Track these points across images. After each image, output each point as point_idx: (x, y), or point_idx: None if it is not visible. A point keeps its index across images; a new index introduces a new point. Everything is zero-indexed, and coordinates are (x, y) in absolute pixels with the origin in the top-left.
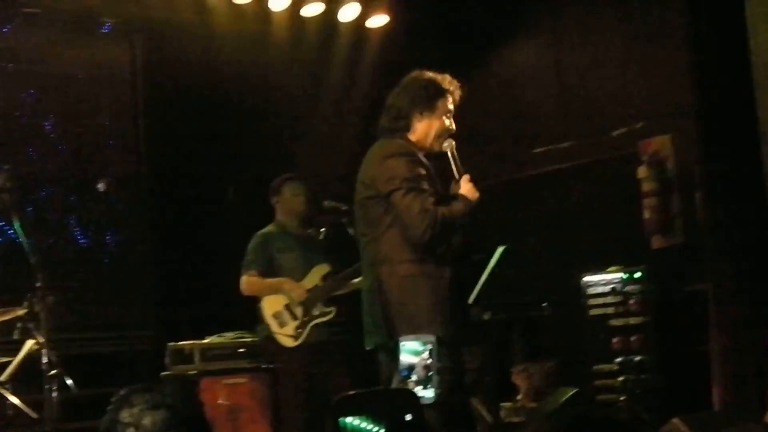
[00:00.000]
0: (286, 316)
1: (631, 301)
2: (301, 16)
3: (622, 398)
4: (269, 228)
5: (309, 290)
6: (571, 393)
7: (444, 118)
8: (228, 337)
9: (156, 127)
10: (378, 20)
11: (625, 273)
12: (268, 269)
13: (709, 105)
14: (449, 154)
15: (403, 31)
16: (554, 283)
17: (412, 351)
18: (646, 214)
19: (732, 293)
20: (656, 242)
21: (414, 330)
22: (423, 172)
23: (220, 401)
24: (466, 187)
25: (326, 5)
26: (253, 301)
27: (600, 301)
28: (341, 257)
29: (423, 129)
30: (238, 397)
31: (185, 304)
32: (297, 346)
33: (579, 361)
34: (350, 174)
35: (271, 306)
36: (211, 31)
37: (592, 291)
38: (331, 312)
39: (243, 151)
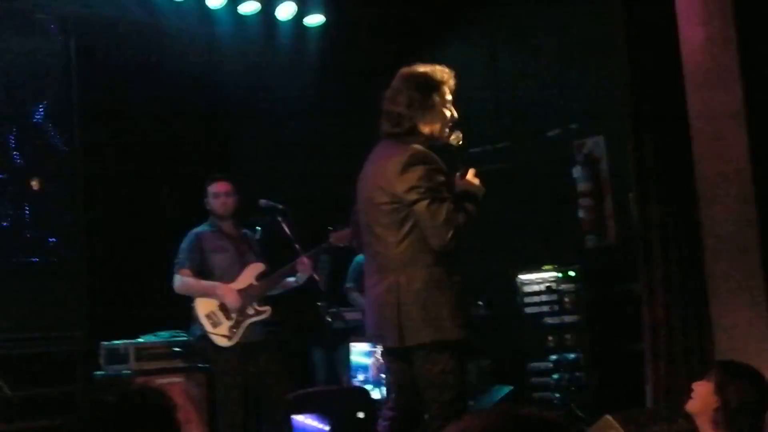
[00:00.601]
0: (220, 315)
1: (566, 300)
2: (239, 14)
3: (556, 395)
4: (202, 227)
5: (242, 290)
6: (506, 391)
7: (444, 109)
8: (163, 336)
9: (90, 125)
10: (314, 19)
11: (559, 272)
12: (201, 268)
13: (642, 106)
14: (455, 148)
15: (339, 29)
16: (490, 281)
17: (364, 353)
18: (581, 214)
19: (663, 292)
20: (590, 242)
21: (439, 334)
22: (443, 178)
23: None
24: (473, 183)
25: (263, 4)
26: (188, 301)
27: (535, 299)
28: (276, 256)
29: (430, 128)
30: (173, 397)
31: (120, 303)
32: (231, 346)
33: (514, 359)
34: (291, 172)
35: (204, 306)
36: (152, 28)
37: (527, 290)
38: (266, 311)
39: (179, 150)
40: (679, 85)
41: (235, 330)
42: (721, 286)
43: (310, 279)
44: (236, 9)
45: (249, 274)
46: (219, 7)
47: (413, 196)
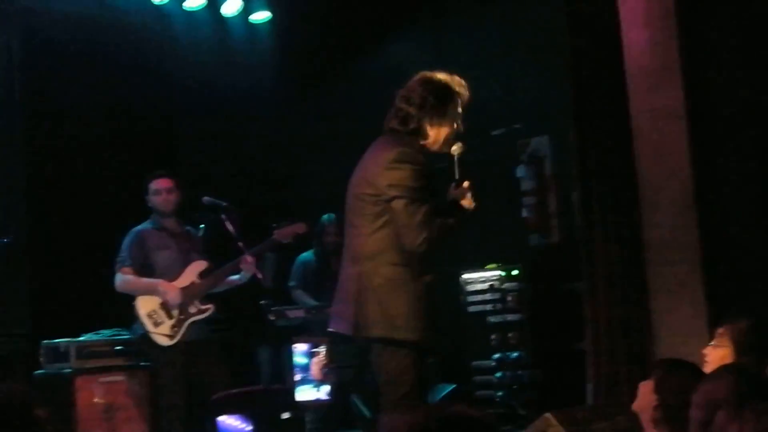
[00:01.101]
0: (162, 314)
1: (509, 299)
2: (185, 10)
3: (499, 394)
4: (145, 224)
5: (184, 288)
6: (449, 389)
7: (452, 120)
8: (105, 335)
9: (32, 121)
10: (261, 15)
11: (503, 271)
12: (143, 266)
13: (586, 106)
14: (456, 157)
15: (285, 26)
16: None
17: (304, 353)
18: (525, 213)
19: (605, 291)
20: (534, 241)
21: (390, 332)
22: (427, 183)
23: (96, 400)
24: (467, 198)
25: (208, 0)
26: (130, 299)
27: (478, 298)
28: (220, 253)
29: (434, 135)
30: (114, 396)
31: (62, 302)
32: (173, 345)
33: (457, 358)
34: (236, 170)
35: (145, 305)
36: (99, 23)
37: (470, 288)
38: (209, 309)
39: (125, 147)
40: (622, 86)
41: (176, 329)
42: (662, 285)
43: (254, 277)
44: (182, 5)
45: (191, 272)
46: (165, 2)
47: (393, 193)
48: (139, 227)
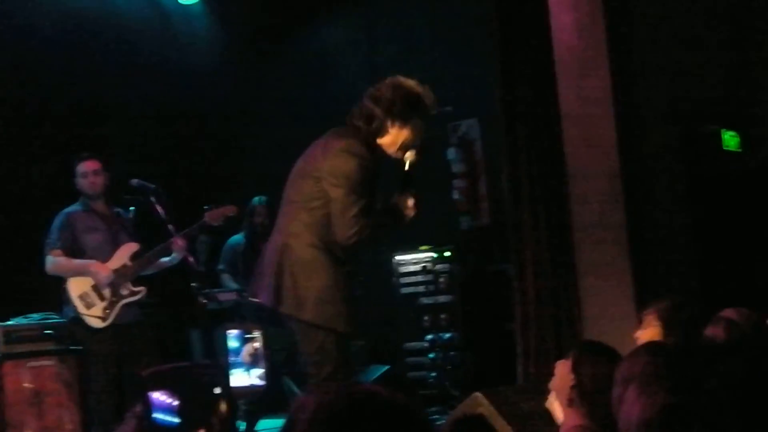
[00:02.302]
0: (94, 296)
1: (441, 280)
2: None
3: (432, 375)
4: (74, 207)
5: (116, 270)
6: (382, 370)
7: (414, 133)
8: (33, 319)
9: None
10: None
11: (435, 252)
12: (74, 249)
13: (514, 89)
14: (407, 166)
15: (213, 8)
16: (365, 261)
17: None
18: (455, 196)
19: (533, 272)
20: (465, 223)
21: (297, 310)
22: (369, 180)
23: (24, 385)
24: (408, 207)
25: None
26: (60, 281)
27: (411, 279)
28: (149, 236)
29: (393, 137)
30: (43, 381)
31: None
32: (105, 327)
33: (390, 339)
34: (164, 152)
35: (77, 287)
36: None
37: (403, 270)
38: (141, 292)
39: (52, 128)
40: (550, 69)
41: (108, 311)
42: (589, 266)
43: (185, 260)
44: None
45: (122, 254)
46: None
47: (334, 180)
48: (67, 209)
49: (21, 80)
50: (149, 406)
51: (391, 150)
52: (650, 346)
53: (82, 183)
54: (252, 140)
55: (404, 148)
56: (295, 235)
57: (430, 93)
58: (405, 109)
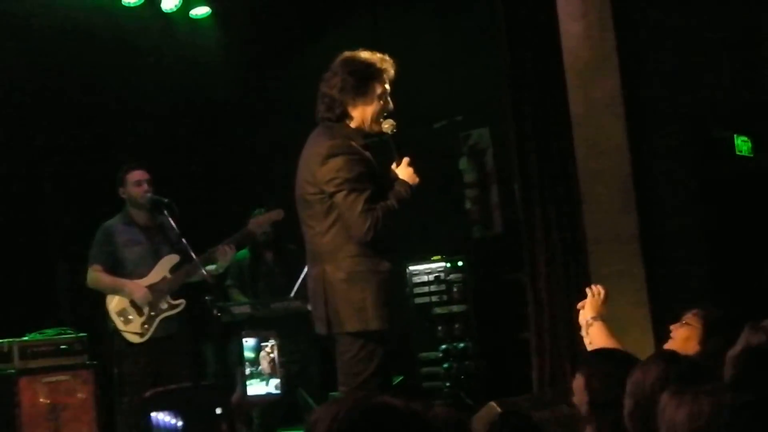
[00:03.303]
0: (132, 312)
1: (454, 290)
2: (123, 5)
3: (446, 385)
4: (114, 219)
5: (153, 285)
6: (396, 381)
7: (379, 100)
8: (48, 334)
9: None
10: (200, 10)
11: (447, 262)
12: (114, 262)
13: (524, 98)
14: (390, 136)
15: (224, 21)
16: None
17: (252, 347)
18: (467, 205)
19: (547, 280)
20: (477, 232)
21: (363, 324)
22: (364, 169)
23: (40, 400)
24: (406, 172)
25: None
26: (75, 296)
27: (424, 289)
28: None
29: (359, 116)
30: (59, 396)
31: (3, 301)
32: (144, 342)
33: (404, 349)
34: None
35: (115, 303)
36: (28, 22)
37: (416, 280)
38: (180, 305)
39: (63, 145)
40: (559, 77)
41: (147, 326)
42: (603, 274)
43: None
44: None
45: (162, 267)
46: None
47: (332, 188)
48: (108, 222)
49: (35, 96)
50: (151, 428)
51: (366, 127)
52: (663, 355)
53: (135, 191)
54: (264, 148)
55: (376, 119)
56: (330, 255)
57: (382, 56)
58: (359, 83)
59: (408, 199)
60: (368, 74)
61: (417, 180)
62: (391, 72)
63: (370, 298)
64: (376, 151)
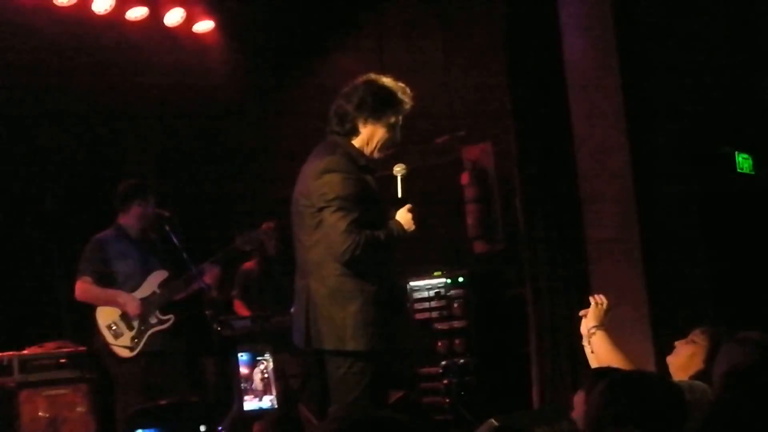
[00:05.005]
0: (122, 326)
1: (455, 305)
2: (126, 20)
3: (447, 400)
4: (107, 232)
5: (144, 299)
6: (397, 396)
7: (389, 129)
8: (48, 347)
9: None
10: (204, 26)
11: (448, 278)
12: (104, 275)
13: (526, 112)
14: (398, 178)
15: (229, 37)
16: None
17: (245, 362)
18: (469, 220)
19: (548, 296)
20: (478, 247)
21: (339, 343)
22: (357, 191)
23: (40, 413)
24: (405, 218)
25: (150, 9)
26: (74, 309)
27: (425, 305)
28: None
29: (366, 135)
30: (59, 409)
31: (3, 314)
32: (134, 357)
33: (405, 366)
34: (182, 180)
35: (105, 316)
36: (32, 33)
37: (417, 295)
38: (169, 320)
39: (66, 161)
40: (562, 91)
41: (137, 340)
42: (604, 287)
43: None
44: (123, 15)
45: (152, 282)
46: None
47: (322, 203)
48: (100, 235)
49: (35, 108)
50: None
51: (369, 150)
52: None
53: (140, 209)
54: (267, 164)
55: (382, 148)
56: (315, 270)
57: (405, 89)
58: (377, 106)
59: (398, 241)
60: (387, 100)
61: (413, 228)
62: (408, 106)
63: (352, 317)
64: (381, 186)
